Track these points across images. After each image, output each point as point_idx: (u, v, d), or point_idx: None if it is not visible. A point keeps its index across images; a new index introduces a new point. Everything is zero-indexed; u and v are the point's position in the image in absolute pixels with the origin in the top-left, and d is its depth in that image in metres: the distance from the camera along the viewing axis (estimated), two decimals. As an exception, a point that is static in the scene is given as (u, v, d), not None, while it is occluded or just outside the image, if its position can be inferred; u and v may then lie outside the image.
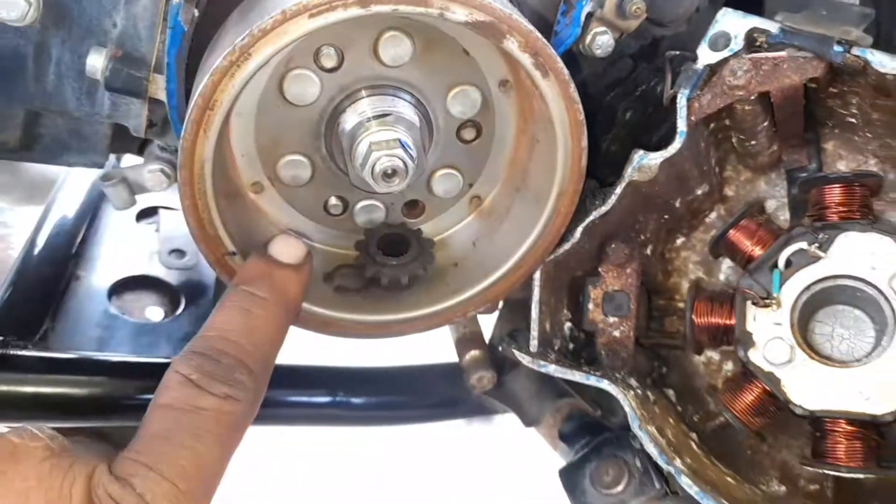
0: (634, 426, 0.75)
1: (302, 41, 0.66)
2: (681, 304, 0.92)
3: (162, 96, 0.84)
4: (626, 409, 0.76)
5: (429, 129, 0.80)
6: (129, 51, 0.82)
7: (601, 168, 0.91)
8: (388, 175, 0.74)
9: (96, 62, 0.81)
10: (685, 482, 0.72)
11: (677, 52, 0.83)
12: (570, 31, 0.85)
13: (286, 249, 0.74)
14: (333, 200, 0.86)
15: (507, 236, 0.84)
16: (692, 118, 0.77)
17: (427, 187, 0.86)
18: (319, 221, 0.87)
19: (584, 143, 0.73)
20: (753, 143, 0.85)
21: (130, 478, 0.57)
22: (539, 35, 0.66)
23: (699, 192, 0.89)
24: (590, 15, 0.84)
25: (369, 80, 0.76)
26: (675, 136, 0.76)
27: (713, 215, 0.94)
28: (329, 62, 0.75)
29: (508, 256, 0.82)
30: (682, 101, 0.77)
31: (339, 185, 0.84)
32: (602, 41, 0.85)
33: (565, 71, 0.69)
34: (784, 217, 0.91)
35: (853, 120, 0.82)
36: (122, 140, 0.97)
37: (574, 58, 0.88)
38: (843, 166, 0.88)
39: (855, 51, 0.69)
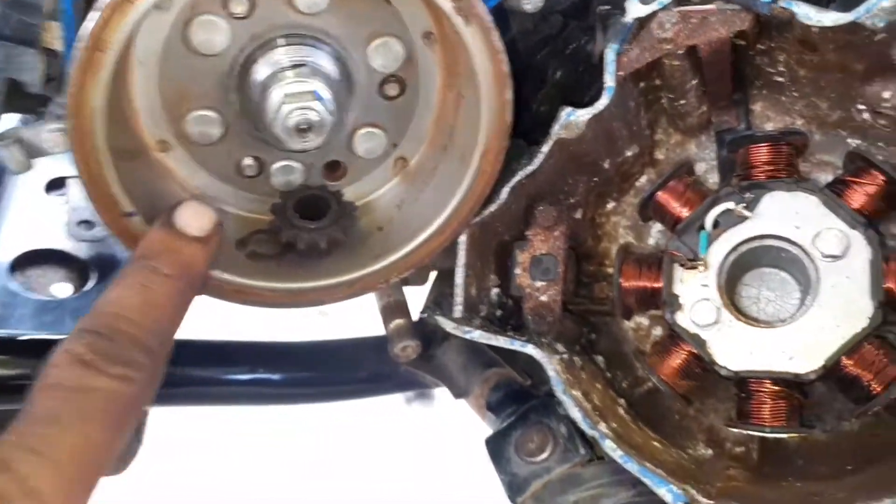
0: (558, 391, 0.73)
1: None
2: (610, 270, 0.90)
3: (59, 46, 0.76)
4: (551, 373, 0.74)
5: (348, 82, 0.75)
6: (19, -7, 0.75)
7: (532, 129, 0.89)
8: (303, 130, 0.70)
9: (-17, 8, 0.73)
10: (609, 446, 0.71)
11: (608, 8, 0.81)
12: (497, -15, 0.82)
13: (194, 220, 0.69)
14: (248, 161, 0.80)
15: (432, 198, 0.81)
16: (620, 73, 0.74)
17: (348, 147, 0.81)
18: (233, 183, 0.81)
19: (509, 95, 0.70)
20: (683, 102, 0.84)
21: (12, 462, 0.52)
22: None
23: (629, 153, 0.87)
24: (516, -33, 0.81)
25: (283, 28, 0.71)
26: (603, 91, 0.74)
27: (643, 179, 0.93)
28: (239, 7, 0.69)
29: (433, 219, 0.79)
30: (610, 56, 0.74)
31: (254, 143, 0.79)
32: (531, -5, 0.82)
33: (489, 17, 0.65)
34: (714, 180, 0.90)
35: (780, 79, 0.81)
36: (18, 97, 0.89)
37: (503, 13, 0.85)
38: (770, 127, 0.87)
39: (781, 2, 0.68)
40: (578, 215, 0.89)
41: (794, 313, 0.80)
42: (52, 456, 0.53)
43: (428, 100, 0.80)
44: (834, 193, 0.76)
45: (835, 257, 0.75)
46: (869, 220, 0.75)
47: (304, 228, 0.77)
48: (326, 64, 0.72)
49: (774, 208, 0.78)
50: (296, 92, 0.69)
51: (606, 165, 0.85)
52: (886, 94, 0.73)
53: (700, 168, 0.91)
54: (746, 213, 0.79)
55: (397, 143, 0.83)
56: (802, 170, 0.84)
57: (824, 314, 0.75)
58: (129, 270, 0.65)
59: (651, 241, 0.92)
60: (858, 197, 0.75)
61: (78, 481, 0.54)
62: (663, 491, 0.70)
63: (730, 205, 0.79)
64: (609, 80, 0.74)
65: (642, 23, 0.74)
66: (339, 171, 0.84)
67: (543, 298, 0.82)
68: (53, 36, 0.76)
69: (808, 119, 0.84)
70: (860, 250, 0.74)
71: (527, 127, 0.87)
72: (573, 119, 0.75)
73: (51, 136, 0.84)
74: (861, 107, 0.77)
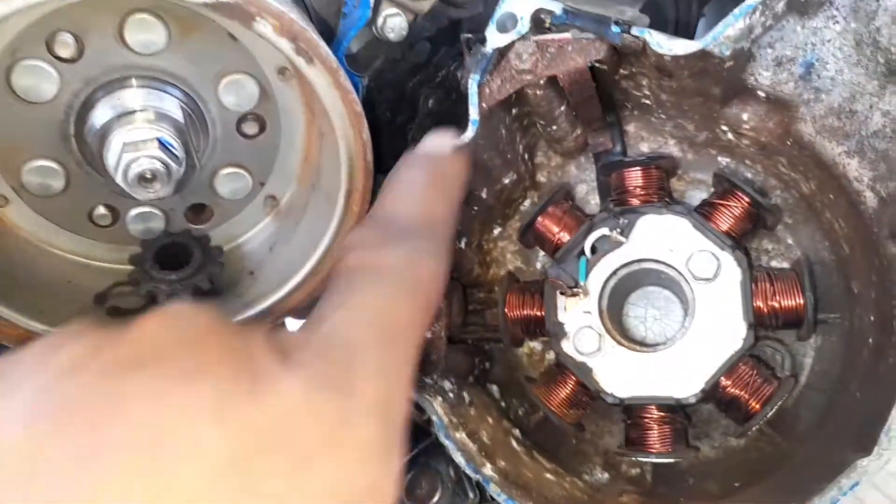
0: (441, 435, 0.71)
1: (28, 27, 0.56)
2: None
3: None
4: (433, 417, 0.71)
5: (201, 123, 0.72)
6: None
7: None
8: (146, 179, 0.65)
9: None
10: (493, 490, 0.69)
11: (470, 36, 0.79)
12: (359, 14, 0.79)
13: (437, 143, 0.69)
14: (100, 210, 0.75)
15: (303, 239, 0.77)
16: (483, 105, 0.73)
17: (210, 189, 0.77)
18: (85, 234, 0.76)
19: (366, 135, 0.67)
20: (555, 128, 0.82)
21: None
22: (296, 17, 0.59)
23: (506, 181, 0.85)
24: (379, -5, 0.79)
25: (120, 70, 0.67)
26: (469, 124, 0.72)
27: (527, 203, 0.91)
28: (65, 51, 0.64)
29: (304, 261, 0.76)
30: (472, 88, 0.72)
31: (104, 191, 0.74)
32: (394, 24, 0.80)
33: (332, 58, 0.62)
34: (595, 201, 0.90)
35: (647, 101, 0.81)
36: None
37: (371, 42, 0.83)
38: (645, 147, 0.87)
39: (633, 31, 0.67)
40: (462, 244, 0.87)
41: (675, 334, 0.80)
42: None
43: (292, 137, 0.77)
44: (703, 216, 0.77)
45: (707, 280, 0.75)
46: (737, 242, 0.75)
47: (165, 280, 0.73)
48: (171, 107, 0.68)
49: (648, 232, 0.78)
50: (136, 140, 0.65)
51: (484, 195, 0.83)
52: (745, 117, 0.74)
53: (581, 190, 0.90)
54: (621, 238, 0.78)
55: (264, 182, 0.80)
56: (678, 188, 0.85)
57: (701, 337, 0.75)
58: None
59: (538, 266, 0.91)
60: (726, 219, 0.76)
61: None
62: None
63: (605, 230, 0.79)
64: (473, 113, 0.72)
65: (502, 52, 0.73)
66: (204, 214, 0.80)
67: (427, 335, 0.79)
68: None
69: (679, 139, 0.84)
70: (730, 272, 0.75)
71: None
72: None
73: None
74: (724, 128, 0.77)
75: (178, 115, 0.67)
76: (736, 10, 0.65)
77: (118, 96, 0.66)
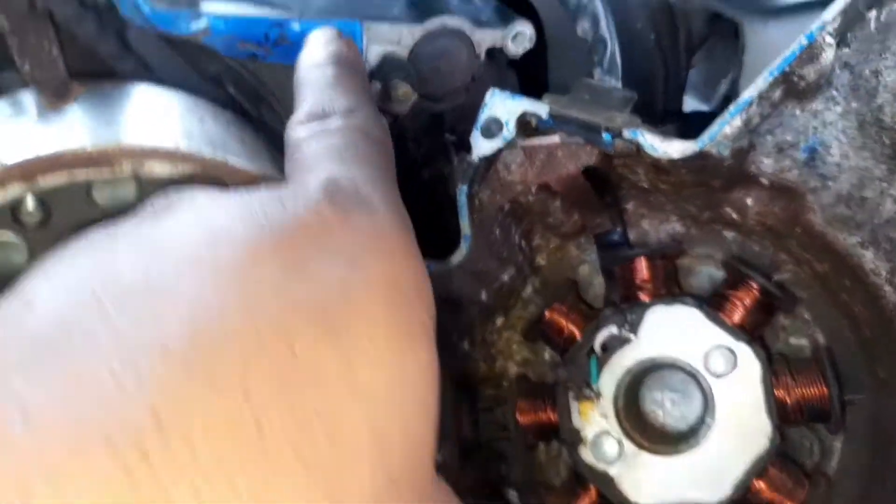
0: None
1: None
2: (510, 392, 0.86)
3: None
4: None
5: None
6: None
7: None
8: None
9: None
10: None
11: (453, 138, 0.76)
12: (338, 123, 0.76)
13: (320, 36, 0.62)
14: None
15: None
16: (475, 217, 0.69)
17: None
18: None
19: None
20: (551, 219, 0.79)
21: None
22: (267, 173, 0.55)
23: (505, 277, 0.82)
24: (357, 103, 0.76)
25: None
26: (461, 240, 0.69)
27: (528, 289, 0.88)
28: (31, 217, 0.61)
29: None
30: (461, 200, 0.69)
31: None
32: (375, 130, 0.76)
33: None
34: (599, 281, 0.86)
35: (645, 185, 0.77)
36: None
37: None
38: (646, 224, 0.83)
39: (626, 133, 0.64)
40: (466, 346, 0.84)
41: (696, 427, 0.76)
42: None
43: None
44: (714, 308, 0.73)
45: (725, 376, 0.72)
46: (752, 334, 0.72)
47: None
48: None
49: (658, 326, 0.74)
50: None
51: (484, 298, 0.80)
52: (749, 202, 0.70)
53: (584, 270, 0.87)
54: (631, 335, 0.74)
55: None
56: (683, 264, 0.81)
57: (725, 436, 0.72)
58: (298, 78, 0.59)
59: (547, 356, 0.87)
60: (739, 311, 0.72)
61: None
62: None
63: (612, 329, 0.75)
64: (465, 228, 0.69)
65: (490, 160, 0.69)
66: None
67: (438, 459, 0.76)
68: None
69: (682, 216, 0.81)
70: (749, 367, 0.71)
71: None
72: (434, 270, 0.70)
73: None
74: (729, 210, 0.74)
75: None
76: (731, 107, 0.62)
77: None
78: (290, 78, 0.74)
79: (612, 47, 0.61)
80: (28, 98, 0.55)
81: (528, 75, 0.87)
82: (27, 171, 0.48)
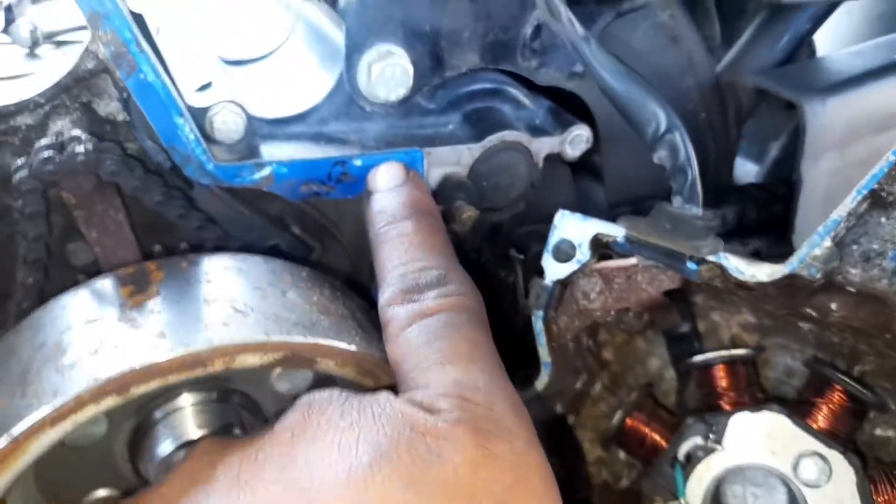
0: None
1: None
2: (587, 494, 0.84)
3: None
4: None
5: (255, 417, 0.67)
6: None
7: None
8: None
9: None
10: None
11: (520, 256, 0.74)
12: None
13: (386, 178, 0.64)
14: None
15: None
16: (553, 343, 0.68)
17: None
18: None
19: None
20: (623, 324, 0.77)
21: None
22: (351, 347, 0.54)
23: (579, 385, 0.80)
24: (419, 222, 0.74)
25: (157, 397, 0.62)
26: (541, 368, 0.67)
27: (598, 387, 0.86)
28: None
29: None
30: (538, 326, 0.67)
31: None
32: (439, 248, 0.75)
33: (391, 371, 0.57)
34: (670, 375, 0.84)
35: (718, 284, 0.75)
36: None
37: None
38: (717, 317, 0.82)
39: (709, 258, 0.62)
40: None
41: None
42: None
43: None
44: (801, 414, 0.71)
45: (818, 486, 0.69)
46: (844, 441, 0.70)
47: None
48: (230, 417, 0.63)
49: (743, 434, 0.72)
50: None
51: (559, 409, 0.78)
52: (834, 306, 0.68)
53: (653, 364, 0.85)
54: (717, 446, 0.72)
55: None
56: (763, 358, 0.79)
57: (824, 549, 0.69)
58: (381, 239, 0.60)
59: (622, 456, 0.85)
60: (827, 417, 0.70)
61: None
62: None
63: (697, 439, 0.73)
64: (544, 355, 0.67)
65: (564, 283, 0.68)
66: None
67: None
68: None
69: (755, 311, 0.79)
70: (844, 475, 0.69)
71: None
72: (514, 400, 0.68)
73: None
74: (809, 310, 0.72)
75: (237, 420, 0.63)
76: (820, 228, 0.60)
77: (173, 422, 0.61)
78: (353, 210, 0.73)
79: (693, 176, 0.59)
80: (108, 288, 0.54)
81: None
82: (122, 384, 0.47)
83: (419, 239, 0.58)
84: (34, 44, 0.84)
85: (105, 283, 0.54)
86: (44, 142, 0.56)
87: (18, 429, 0.45)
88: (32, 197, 0.56)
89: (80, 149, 0.55)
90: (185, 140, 0.59)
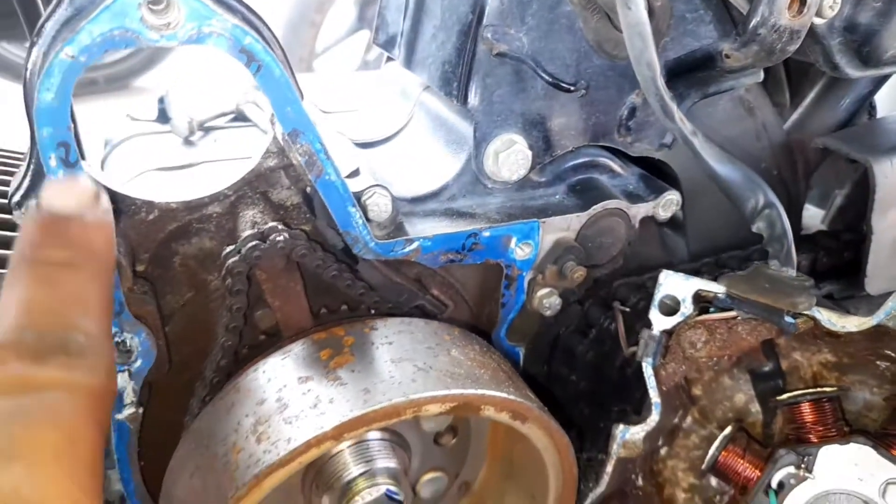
0: None
1: None
2: (681, 518, 0.93)
3: (118, 486, 0.78)
4: None
5: (406, 450, 0.78)
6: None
7: (569, 405, 0.92)
8: (386, 535, 0.71)
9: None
10: None
11: (625, 309, 0.85)
12: (516, 299, 0.86)
13: (63, 195, 0.52)
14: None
15: (511, 531, 0.82)
16: (662, 387, 0.77)
17: (415, 496, 0.83)
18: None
19: (573, 460, 0.73)
20: (716, 367, 0.87)
21: None
22: (511, 396, 0.65)
23: (675, 420, 0.89)
24: (532, 280, 0.85)
25: None
26: (652, 408, 0.77)
27: (689, 420, 0.95)
28: None
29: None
30: (648, 371, 0.77)
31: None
32: (549, 302, 0.86)
33: (543, 414, 0.68)
34: (756, 409, 0.93)
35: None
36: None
37: (527, 315, 0.89)
38: (798, 356, 0.90)
39: (804, 312, 0.71)
40: (640, 482, 0.91)
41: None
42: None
43: (480, 432, 0.83)
44: (886, 446, 0.79)
45: (907, 511, 0.78)
46: (929, 470, 0.78)
47: None
48: (386, 455, 0.73)
49: (832, 463, 0.81)
50: (369, 501, 0.70)
51: (660, 442, 0.88)
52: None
53: (740, 400, 0.94)
54: (808, 474, 0.81)
55: (458, 473, 0.85)
56: (843, 385, 0.87)
57: (913, 569, 0.77)
58: (18, 272, 0.49)
59: (713, 482, 0.94)
60: (910, 448, 0.78)
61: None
62: None
63: (789, 468, 0.82)
64: (654, 397, 0.77)
65: (670, 332, 0.78)
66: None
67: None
68: (113, 478, 0.78)
69: (836, 351, 0.87)
70: (930, 502, 0.77)
71: (567, 411, 0.90)
72: (629, 437, 0.78)
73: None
74: (889, 352, 0.81)
75: (393, 462, 0.73)
76: (904, 287, 0.69)
77: (347, 454, 0.71)
78: (478, 272, 0.84)
79: (789, 245, 0.69)
80: (309, 353, 0.66)
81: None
82: (339, 432, 0.58)
83: (75, 287, 0.48)
84: (190, 133, 0.97)
85: (305, 348, 0.66)
86: (248, 232, 0.68)
87: (259, 469, 0.57)
88: (239, 277, 0.68)
89: (279, 238, 0.67)
90: (356, 225, 0.71)
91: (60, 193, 0.52)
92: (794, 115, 1.05)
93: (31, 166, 0.62)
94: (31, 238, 0.50)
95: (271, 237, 0.67)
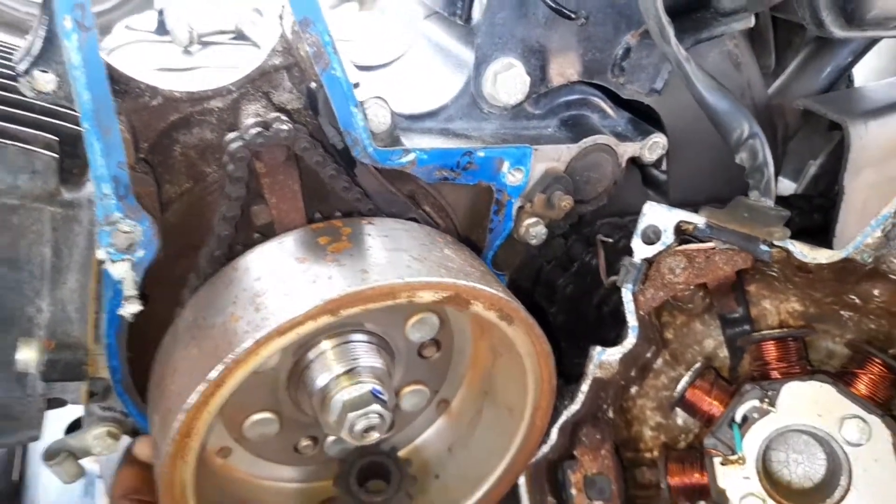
0: None
1: None
2: (647, 454, 0.96)
3: (105, 374, 0.79)
4: None
5: (391, 356, 0.80)
6: (62, 337, 0.77)
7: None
8: (367, 431, 0.73)
9: (28, 356, 0.75)
10: None
11: (607, 239, 0.88)
12: (504, 226, 0.88)
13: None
14: (304, 441, 0.83)
15: (485, 445, 0.85)
16: (640, 312, 0.80)
17: (396, 405, 0.85)
18: (292, 463, 0.84)
19: (553, 371, 0.75)
20: (691, 305, 0.90)
21: None
22: (500, 293, 0.67)
23: (648, 354, 0.93)
24: (520, 208, 0.88)
25: (325, 330, 0.75)
26: (629, 331, 0.80)
27: (659, 361, 0.98)
28: None
29: (491, 468, 0.83)
30: (627, 296, 0.80)
31: (308, 426, 0.82)
32: (536, 231, 0.88)
33: (528, 317, 0.71)
34: (724, 354, 0.97)
35: (774, 273, 0.88)
36: (57, 403, 0.90)
37: (512, 245, 0.91)
38: (767, 304, 0.95)
39: (778, 243, 0.75)
40: (610, 414, 0.94)
41: (824, 479, 0.86)
42: None
43: (462, 349, 0.85)
44: (845, 383, 0.83)
45: (859, 444, 0.82)
46: (883, 407, 0.82)
47: (372, 502, 0.80)
48: (372, 357, 0.75)
49: (794, 399, 0.85)
50: (355, 397, 0.71)
51: (633, 373, 0.91)
52: (876, 292, 0.81)
53: (709, 345, 0.98)
54: (770, 408, 0.85)
55: (438, 390, 0.87)
56: (811, 339, 0.91)
57: (863, 499, 0.81)
58: None
59: (679, 421, 0.98)
60: (868, 386, 0.82)
61: None
62: None
63: (754, 402, 0.86)
64: (632, 321, 0.80)
65: (650, 261, 0.81)
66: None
67: (606, 521, 0.86)
68: (99, 366, 0.79)
69: (802, 299, 0.92)
70: (881, 437, 0.81)
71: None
72: (605, 358, 0.81)
73: (98, 440, 0.86)
74: (853, 297, 0.85)
75: (380, 363, 0.75)
76: (872, 221, 0.73)
77: (331, 354, 0.74)
78: (468, 196, 0.87)
79: (769, 175, 0.73)
80: (308, 238, 0.67)
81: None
82: (337, 306, 0.60)
83: None
84: (190, 43, 0.98)
85: (304, 234, 0.68)
86: (251, 120, 0.70)
87: (260, 334, 0.58)
88: (240, 164, 0.69)
89: (283, 127, 0.69)
90: (356, 126, 0.72)
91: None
92: (778, 81, 1.09)
93: (43, 32, 0.63)
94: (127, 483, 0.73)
95: (275, 125, 0.69)
